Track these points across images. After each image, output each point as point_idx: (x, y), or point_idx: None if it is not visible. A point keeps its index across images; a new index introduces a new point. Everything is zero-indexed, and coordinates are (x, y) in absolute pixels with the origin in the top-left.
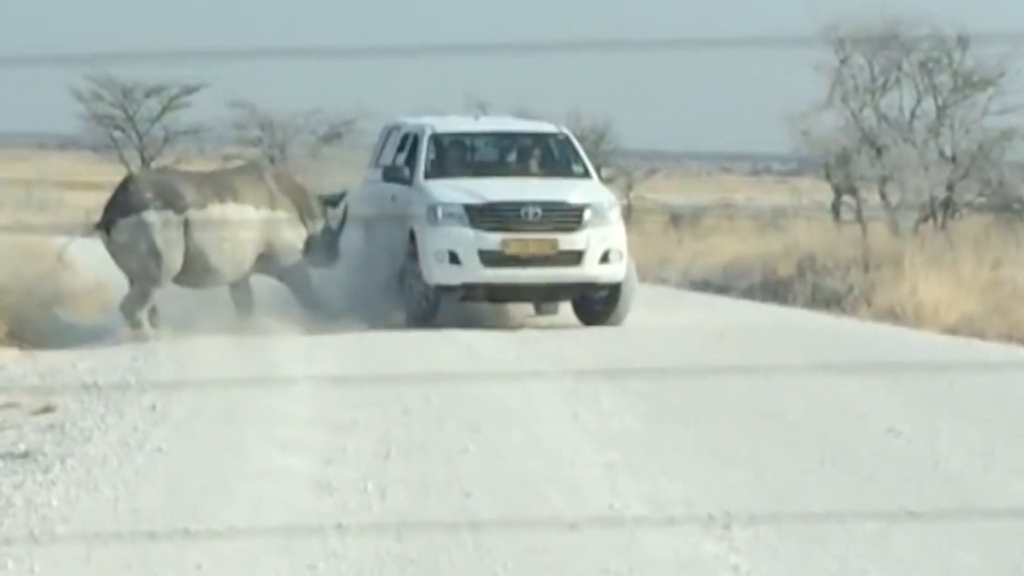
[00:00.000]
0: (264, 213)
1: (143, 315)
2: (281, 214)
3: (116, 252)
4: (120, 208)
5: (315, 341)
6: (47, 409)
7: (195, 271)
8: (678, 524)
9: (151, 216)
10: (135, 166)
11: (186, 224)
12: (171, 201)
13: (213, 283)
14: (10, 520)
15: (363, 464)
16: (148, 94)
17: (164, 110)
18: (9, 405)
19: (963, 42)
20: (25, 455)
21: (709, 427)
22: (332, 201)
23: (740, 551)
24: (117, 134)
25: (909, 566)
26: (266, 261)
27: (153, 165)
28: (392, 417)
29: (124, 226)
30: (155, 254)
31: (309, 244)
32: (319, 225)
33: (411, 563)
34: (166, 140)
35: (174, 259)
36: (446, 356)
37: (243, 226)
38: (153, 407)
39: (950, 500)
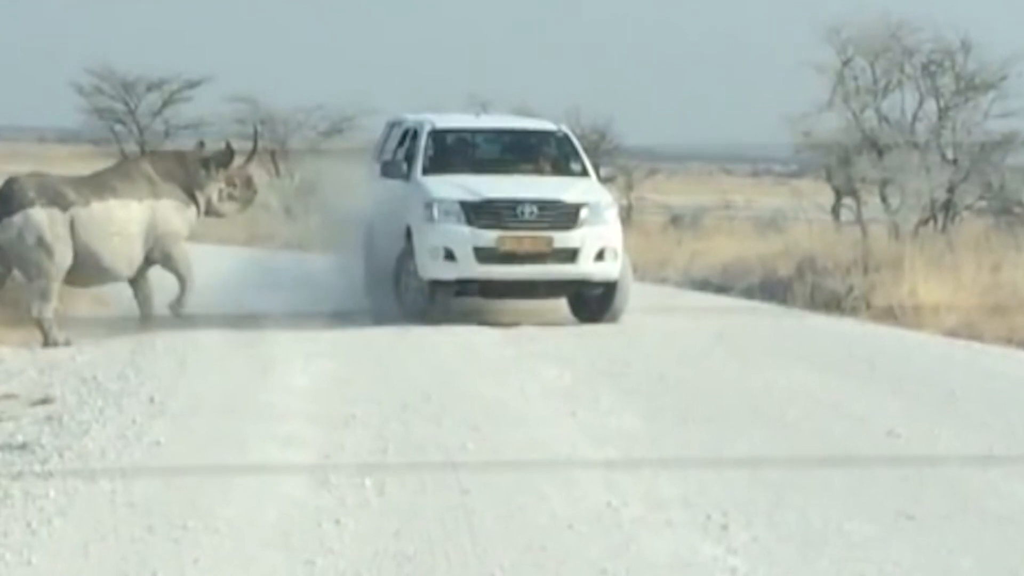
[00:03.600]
0: (148, 204)
1: (50, 313)
2: (165, 202)
3: (4, 251)
4: (5, 207)
5: (313, 336)
6: (45, 401)
7: (88, 270)
8: (676, 525)
9: (38, 213)
10: None
11: (72, 223)
12: (55, 199)
13: (112, 279)
14: (7, 511)
15: (361, 460)
16: (149, 88)
17: (165, 104)
18: (7, 396)
19: (966, 45)
20: (23, 446)
21: (707, 427)
22: (220, 160)
23: (738, 553)
24: (118, 128)
25: (907, 570)
26: (153, 250)
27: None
28: (390, 413)
29: (9, 224)
30: (46, 249)
31: (208, 209)
32: (211, 189)
33: (408, 561)
34: (167, 134)
35: (64, 253)
36: (444, 353)
37: (130, 221)
38: (152, 400)
39: (949, 503)
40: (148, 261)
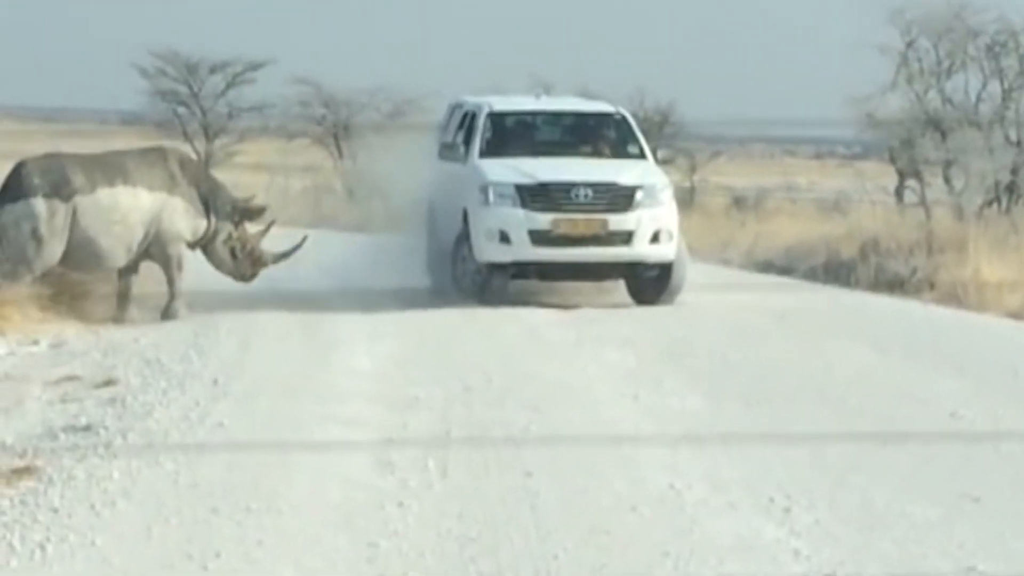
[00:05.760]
0: (159, 197)
1: None
2: (178, 201)
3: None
4: (8, 194)
5: (375, 318)
6: (109, 382)
7: (85, 255)
8: (739, 507)
9: (38, 204)
10: (200, 142)
11: (74, 210)
12: (58, 188)
13: (106, 267)
14: (71, 492)
15: (424, 442)
16: (213, 70)
17: (228, 86)
18: (71, 378)
19: None
20: (87, 428)
21: (770, 409)
22: (248, 211)
23: (800, 535)
24: (181, 110)
25: (970, 552)
26: (152, 245)
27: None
28: (453, 395)
29: (10, 211)
30: (37, 242)
31: (207, 243)
32: (224, 223)
33: (472, 542)
34: (230, 116)
35: (54, 249)
36: (506, 335)
37: (135, 209)
38: (215, 382)
39: (1013, 485)
40: (145, 255)
